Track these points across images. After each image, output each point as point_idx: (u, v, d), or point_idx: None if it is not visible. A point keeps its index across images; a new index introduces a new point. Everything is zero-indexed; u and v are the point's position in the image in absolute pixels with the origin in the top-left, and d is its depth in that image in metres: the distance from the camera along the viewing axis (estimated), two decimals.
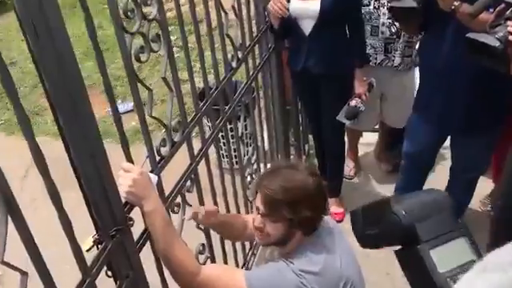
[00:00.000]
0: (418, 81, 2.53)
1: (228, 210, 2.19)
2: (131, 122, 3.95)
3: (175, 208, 1.67)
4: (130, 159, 1.39)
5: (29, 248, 0.99)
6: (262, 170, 2.81)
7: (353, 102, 2.67)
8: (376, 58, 2.82)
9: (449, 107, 2.27)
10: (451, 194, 2.68)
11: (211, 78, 1.95)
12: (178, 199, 1.70)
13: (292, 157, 3.38)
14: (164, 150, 1.58)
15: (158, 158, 1.54)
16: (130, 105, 4.27)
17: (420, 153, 2.54)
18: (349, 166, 3.36)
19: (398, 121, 3.09)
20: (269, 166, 2.95)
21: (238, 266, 2.44)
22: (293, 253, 1.52)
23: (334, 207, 3.10)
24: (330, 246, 1.52)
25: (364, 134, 3.47)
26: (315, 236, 1.53)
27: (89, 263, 1.20)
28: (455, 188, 2.64)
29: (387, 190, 3.24)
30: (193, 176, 1.79)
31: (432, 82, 2.32)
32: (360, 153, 3.53)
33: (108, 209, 1.24)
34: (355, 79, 2.69)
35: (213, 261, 2.03)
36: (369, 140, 3.53)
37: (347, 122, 2.74)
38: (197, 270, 1.47)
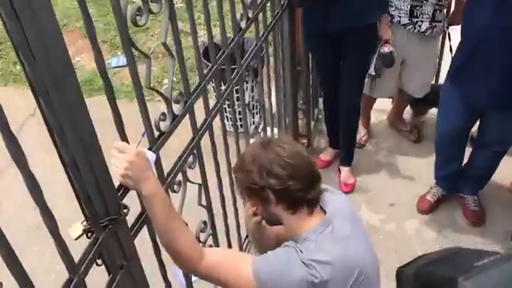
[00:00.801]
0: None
1: (232, 181, 2.05)
2: None
3: (175, 187, 1.53)
4: (124, 137, 1.23)
5: None
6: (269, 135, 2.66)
7: (386, 49, 2.55)
8: (399, 22, 2.59)
9: (483, 78, 2.13)
10: (473, 168, 2.59)
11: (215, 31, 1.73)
12: (179, 177, 1.55)
13: (300, 121, 3.21)
14: (164, 125, 1.41)
15: (156, 134, 1.38)
16: None
17: (454, 126, 2.41)
18: (360, 134, 3.19)
19: (418, 89, 2.93)
20: (276, 131, 2.81)
21: (241, 240, 2.33)
22: (303, 239, 1.38)
23: (344, 177, 2.96)
24: (342, 232, 1.38)
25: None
26: (326, 222, 1.39)
27: (77, 256, 1.06)
28: (478, 161, 2.54)
29: (400, 159, 3.10)
30: (195, 151, 1.63)
31: (469, 48, 2.16)
32: (372, 119, 3.35)
33: (99, 196, 1.10)
34: (380, 26, 2.52)
35: (215, 238, 1.92)
36: (382, 106, 3.34)
37: (384, 71, 2.65)
38: (200, 255, 1.35)
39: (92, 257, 1.10)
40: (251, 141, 2.28)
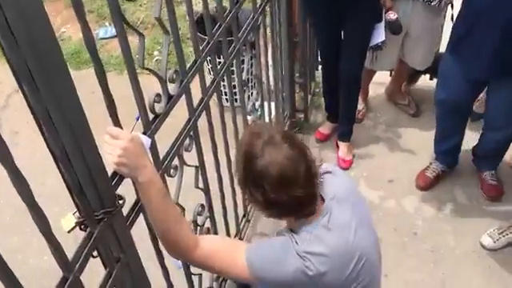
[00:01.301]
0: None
1: (229, 161, 1.98)
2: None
3: (172, 171, 1.45)
4: (117, 122, 1.14)
5: None
6: (265, 112, 2.57)
7: (391, 16, 2.48)
8: None
9: (484, 47, 2.05)
10: (484, 149, 2.50)
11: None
12: (176, 161, 1.47)
13: (296, 95, 3.12)
14: (159, 107, 1.32)
15: (151, 117, 1.29)
16: None
17: (454, 98, 2.33)
18: (358, 108, 3.11)
19: (420, 62, 2.84)
20: (273, 105, 2.72)
21: (238, 220, 2.27)
22: (299, 229, 1.32)
23: (343, 153, 2.89)
24: (341, 219, 1.32)
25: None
26: (324, 211, 1.31)
27: (70, 253, 0.99)
28: (488, 143, 2.50)
29: (398, 134, 3.04)
30: (192, 133, 1.55)
31: (470, 17, 2.08)
32: (370, 93, 3.26)
33: (92, 187, 1.01)
34: None
35: (212, 220, 1.85)
36: (380, 79, 3.24)
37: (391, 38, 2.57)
38: (194, 244, 1.31)
39: (87, 253, 1.03)
40: (249, 118, 2.20)
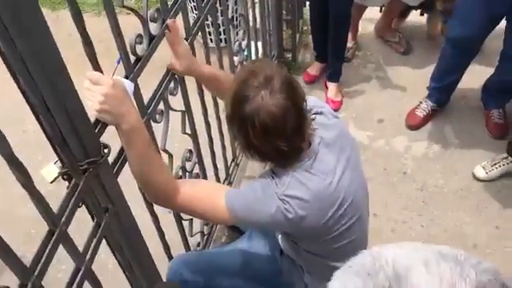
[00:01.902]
0: None
1: (217, 107, 1.91)
2: None
3: (157, 117, 1.38)
4: (97, 67, 1.06)
5: None
6: (252, 52, 2.48)
7: None
8: None
9: None
10: (498, 81, 2.44)
11: None
12: (161, 106, 1.40)
13: (284, 33, 3.01)
14: (140, 49, 1.23)
15: (133, 60, 1.21)
16: None
17: (470, 35, 2.27)
18: (347, 46, 3.01)
19: None
20: (259, 44, 2.62)
21: (228, 168, 2.23)
22: (281, 171, 1.29)
23: (332, 94, 2.83)
24: (326, 163, 1.29)
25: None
26: (309, 155, 1.28)
27: (55, 205, 0.94)
28: (503, 75, 2.45)
29: (388, 73, 2.98)
30: (177, 76, 1.47)
31: None
32: (359, 30, 3.16)
33: (75, 137, 0.95)
34: None
35: (201, 165, 1.81)
36: (369, 15, 3.13)
37: None
38: (175, 189, 1.30)
39: (73, 205, 0.98)
40: (235, 59, 2.11)
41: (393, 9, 3.00)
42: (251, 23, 2.40)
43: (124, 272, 1.31)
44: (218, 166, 2.08)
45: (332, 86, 2.83)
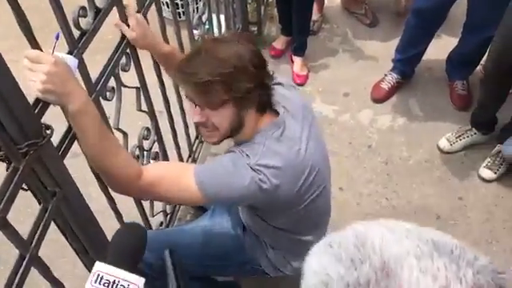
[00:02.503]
0: None
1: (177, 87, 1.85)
2: None
3: (108, 94, 1.32)
4: (34, 44, 0.99)
5: None
6: (214, 26, 2.41)
7: None
8: None
9: None
10: (461, 53, 2.42)
11: None
12: (112, 82, 1.34)
13: (249, 6, 2.93)
14: (85, 22, 1.16)
15: (77, 34, 1.14)
16: None
17: (433, 5, 2.26)
18: (313, 19, 2.96)
19: None
20: (222, 18, 2.54)
21: (191, 145, 2.18)
22: (250, 142, 1.28)
23: (297, 68, 2.79)
24: (293, 131, 1.31)
25: None
26: (276, 124, 1.29)
27: None
28: (466, 47, 2.45)
29: (355, 46, 2.96)
30: (128, 50, 1.40)
31: None
32: (325, 3, 3.11)
33: (11, 118, 0.89)
34: None
35: (160, 143, 1.76)
36: None
37: None
38: (137, 174, 1.22)
39: (13, 191, 0.92)
40: (195, 32, 2.04)
41: None
42: None
43: (78, 256, 1.27)
44: (181, 144, 2.03)
45: (297, 59, 2.79)
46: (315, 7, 2.96)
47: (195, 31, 2.04)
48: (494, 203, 2.23)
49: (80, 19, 1.13)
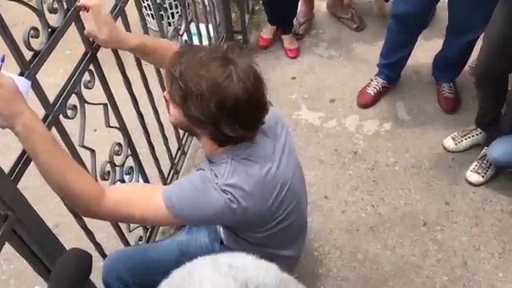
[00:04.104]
0: None
1: (151, 95, 1.84)
2: None
3: (69, 112, 1.31)
4: None
5: None
6: (194, 36, 2.40)
7: None
8: None
9: None
10: (445, 56, 2.37)
11: None
12: (74, 100, 1.33)
13: (234, 14, 2.93)
14: (38, 42, 1.15)
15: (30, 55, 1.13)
16: None
17: (414, 9, 2.23)
18: (299, 20, 2.97)
19: None
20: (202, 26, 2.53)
21: (173, 158, 2.17)
22: (218, 160, 1.25)
23: (287, 43, 2.92)
24: (265, 150, 1.28)
25: None
26: (245, 142, 1.25)
27: None
28: (450, 50, 2.42)
29: (341, 51, 2.94)
30: (91, 66, 1.39)
31: None
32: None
33: None
34: None
35: (135, 158, 1.75)
36: None
37: None
38: (100, 195, 1.20)
39: None
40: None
41: None
42: (191, 6, 2.32)
43: (44, 279, 1.25)
44: (161, 157, 2.02)
45: (286, 37, 2.92)
46: (303, 9, 2.97)
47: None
48: (481, 207, 2.19)
49: (31, 40, 1.12)
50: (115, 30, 1.35)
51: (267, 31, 2.98)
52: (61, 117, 1.28)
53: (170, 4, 2.80)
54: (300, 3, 2.97)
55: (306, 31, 3.03)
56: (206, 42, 2.54)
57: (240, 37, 2.98)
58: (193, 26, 2.30)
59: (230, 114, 1.13)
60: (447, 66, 2.51)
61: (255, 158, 1.25)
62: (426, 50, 2.73)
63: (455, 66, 2.50)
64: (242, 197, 1.21)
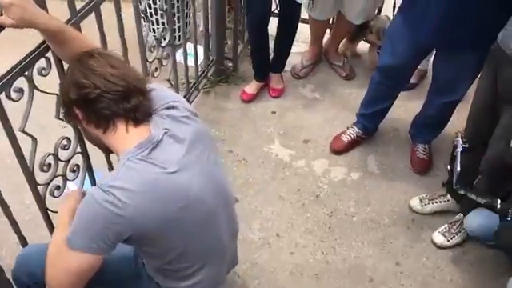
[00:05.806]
0: None
1: None
2: None
3: (14, 94, 1.29)
4: None
5: None
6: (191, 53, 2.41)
7: None
8: None
9: (431, 13, 1.95)
10: (425, 115, 2.35)
11: None
12: (21, 83, 1.31)
13: (228, 43, 2.96)
14: None
15: None
16: None
17: (399, 64, 2.24)
18: (302, 63, 3.02)
19: (358, 13, 2.72)
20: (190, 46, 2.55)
21: None
22: (119, 161, 1.21)
23: (274, 82, 2.88)
24: (170, 154, 1.22)
25: None
26: (144, 144, 1.19)
27: None
28: (430, 108, 2.42)
29: (326, 96, 2.95)
30: (50, 54, 1.38)
31: None
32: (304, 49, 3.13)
33: None
34: None
35: (85, 155, 1.71)
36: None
37: None
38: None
39: None
40: (148, 54, 2.03)
41: (339, 30, 2.98)
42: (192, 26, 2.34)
43: None
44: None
45: (275, 75, 2.87)
46: (309, 53, 2.99)
47: (150, 53, 2.02)
48: (431, 274, 2.13)
49: None
50: (33, 11, 1.19)
51: (251, 87, 2.86)
52: (5, 98, 1.27)
53: (156, 9, 2.74)
54: (308, 48, 3.02)
55: (306, 75, 3.05)
56: (191, 63, 2.55)
57: (230, 64, 2.99)
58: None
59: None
60: (425, 124, 2.51)
61: (155, 160, 1.19)
62: (409, 110, 2.74)
63: (433, 126, 2.50)
64: (126, 196, 1.14)
